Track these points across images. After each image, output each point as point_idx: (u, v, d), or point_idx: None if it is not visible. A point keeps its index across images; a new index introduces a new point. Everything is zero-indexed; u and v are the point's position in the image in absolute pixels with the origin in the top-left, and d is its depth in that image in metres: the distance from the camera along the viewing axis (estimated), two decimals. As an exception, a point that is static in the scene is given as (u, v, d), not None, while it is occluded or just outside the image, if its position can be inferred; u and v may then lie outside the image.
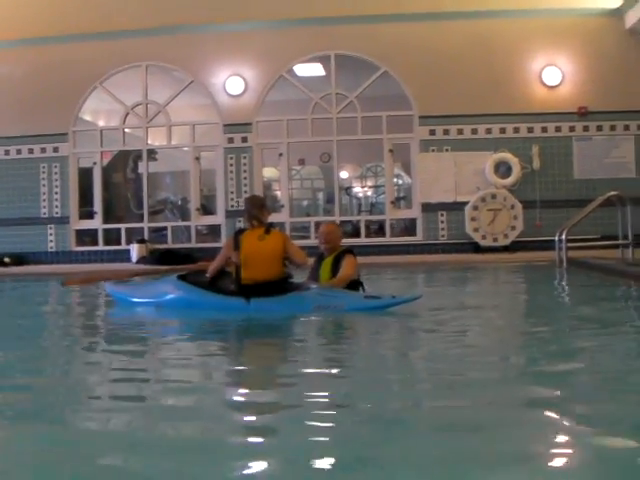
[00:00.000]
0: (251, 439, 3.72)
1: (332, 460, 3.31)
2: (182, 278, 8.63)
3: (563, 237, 13.43)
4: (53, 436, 3.88)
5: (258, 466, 3.26)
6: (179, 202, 21.76)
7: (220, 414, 4.18)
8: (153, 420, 4.09)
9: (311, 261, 8.74)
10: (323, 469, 3.22)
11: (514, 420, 3.82)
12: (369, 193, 26.24)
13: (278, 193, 21.33)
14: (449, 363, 5.36)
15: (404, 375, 5.24)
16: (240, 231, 8.36)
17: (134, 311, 8.81)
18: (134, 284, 9.93)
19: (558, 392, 4.46)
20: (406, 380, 5.03)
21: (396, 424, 3.86)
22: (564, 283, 12.05)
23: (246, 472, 3.21)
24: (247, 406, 4.40)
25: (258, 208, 8.29)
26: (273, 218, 18.23)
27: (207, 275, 8.46)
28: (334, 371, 5.40)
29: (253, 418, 4.11)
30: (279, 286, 7.98)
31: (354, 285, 8.38)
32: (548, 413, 3.95)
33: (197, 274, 8.83)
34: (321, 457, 3.33)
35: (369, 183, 26.12)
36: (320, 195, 25.82)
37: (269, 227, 8.22)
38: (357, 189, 25.97)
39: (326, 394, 4.60)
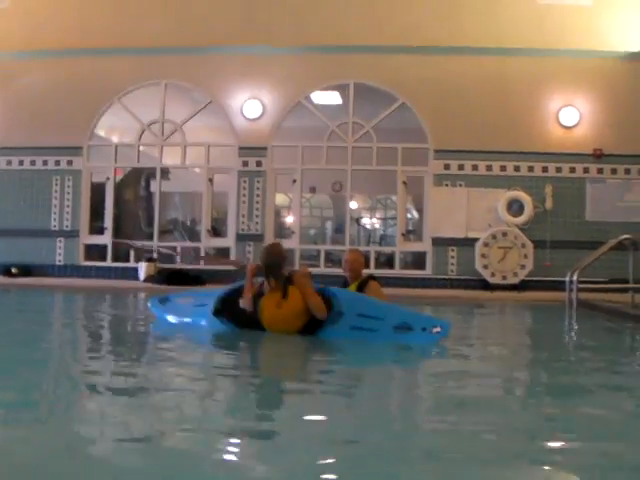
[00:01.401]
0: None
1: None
2: (219, 312, 8.40)
3: (574, 278, 13.35)
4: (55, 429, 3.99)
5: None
6: (188, 223, 21.75)
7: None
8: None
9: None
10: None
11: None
12: (377, 225, 26.23)
13: (286, 220, 21.33)
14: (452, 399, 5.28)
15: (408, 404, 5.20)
16: (259, 294, 7.97)
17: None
18: (176, 305, 9.54)
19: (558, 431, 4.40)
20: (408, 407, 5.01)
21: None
22: (575, 324, 12.00)
23: None
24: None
25: (277, 267, 7.91)
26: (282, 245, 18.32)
27: (242, 305, 8.06)
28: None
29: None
30: (308, 329, 7.82)
31: None
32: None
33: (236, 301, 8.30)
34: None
35: (378, 215, 26.10)
36: (328, 224, 25.80)
37: (286, 286, 7.79)
38: (366, 220, 25.95)
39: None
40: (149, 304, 9.48)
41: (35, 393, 5.06)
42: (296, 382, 5.99)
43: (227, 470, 3.47)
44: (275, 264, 7.92)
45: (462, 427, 4.39)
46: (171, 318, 9.08)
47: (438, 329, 7.70)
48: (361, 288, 8.50)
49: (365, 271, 9.11)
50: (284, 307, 7.74)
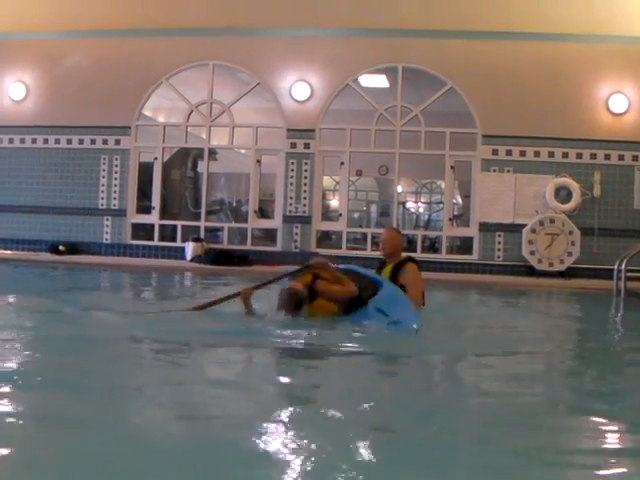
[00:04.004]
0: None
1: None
2: None
3: (623, 267, 13.30)
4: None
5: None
6: (234, 204, 21.81)
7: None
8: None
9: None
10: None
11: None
12: (421, 210, 26.20)
13: (331, 203, 21.34)
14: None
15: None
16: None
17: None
18: None
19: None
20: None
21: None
22: (621, 313, 11.98)
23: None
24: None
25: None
26: (329, 227, 18.42)
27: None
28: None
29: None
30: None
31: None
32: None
33: None
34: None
35: (423, 199, 26.07)
36: (373, 207, 25.79)
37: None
38: (410, 204, 25.92)
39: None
40: None
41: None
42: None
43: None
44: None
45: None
46: None
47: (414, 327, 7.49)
48: (397, 269, 8.34)
49: (407, 254, 8.94)
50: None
